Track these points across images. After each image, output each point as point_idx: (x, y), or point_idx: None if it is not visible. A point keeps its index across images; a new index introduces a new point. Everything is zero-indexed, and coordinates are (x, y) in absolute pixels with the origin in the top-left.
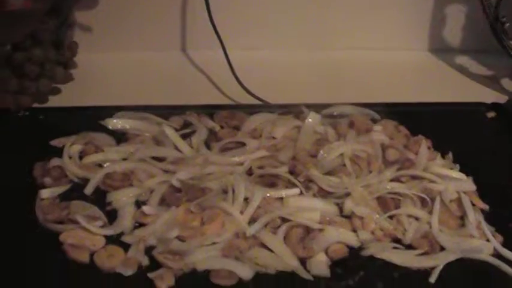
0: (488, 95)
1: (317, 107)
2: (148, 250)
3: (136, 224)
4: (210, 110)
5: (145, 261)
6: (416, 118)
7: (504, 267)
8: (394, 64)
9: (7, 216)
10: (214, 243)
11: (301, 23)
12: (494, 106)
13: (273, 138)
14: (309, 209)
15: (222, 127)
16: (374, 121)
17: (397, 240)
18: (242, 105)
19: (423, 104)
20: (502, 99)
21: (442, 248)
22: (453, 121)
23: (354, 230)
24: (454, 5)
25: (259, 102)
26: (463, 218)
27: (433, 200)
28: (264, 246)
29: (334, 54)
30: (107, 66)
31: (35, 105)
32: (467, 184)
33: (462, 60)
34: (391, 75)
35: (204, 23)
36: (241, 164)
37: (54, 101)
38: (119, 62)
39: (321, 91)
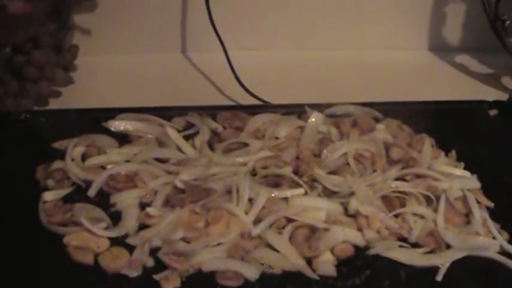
0: (489, 93)
1: (319, 107)
2: (153, 251)
3: (141, 226)
4: (212, 111)
5: (150, 262)
6: (419, 117)
7: (511, 264)
8: (394, 63)
9: (11, 219)
10: (219, 244)
11: (301, 23)
12: (496, 104)
13: (276, 138)
14: (314, 208)
15: (224, 128)
16: (377, 120)
17: (402, 239)
18: (244, 106)
19: (425, 103)
20: (503, 97)
21: (448, 246)
22: (456, 119)
23: (360, 229)
24: (454, 3)
25: (261, 103)
26: (468, 215)
27: (437, 198)
28: (269, 246)
29: (334, 54)
30: (107, 68)
31: (36, 107)
32: (472, 182)
33: (462, 59)
34: (391, 74)
35: (204, 24)
36: (245, 164)
37: (54, 104)
38: (119, 64)
39: (323, 91)
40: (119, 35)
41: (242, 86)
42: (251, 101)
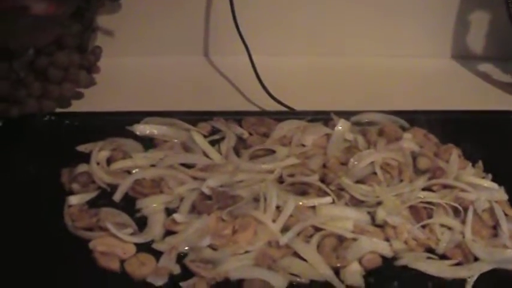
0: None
1: (346, 114)
2: (180, 258)
3: (167, 232)
4: (238, 116)
5: (176, 269)
6: (445, 126)
7: None
8: (417, 71)
9: (36, 224)
10: (247, 251)
11: (326, 28)
12: None
13: (303, 145)
14: (342, 217)
15: (250, 134)
16: (403, 129)
17: (430, 250)
18: (270, 112)
19: (451, 112)
20: None
21: (476, 259)
22: (481, 129)
23: (387, 239)
24: (478, 11)
25: (285, 109)
26: (495, 227)
27: (465, 209)
28: (297, 255)
29: (359, 61)
30: (129, 70)
31: (60, 109)
32: (500, 193)
33: (485, 67)
34: (415, 81)
35: (229, 27)
36: (272, 171)
37: (77, 106)
38: (142, 66)
39: (347, 97)
40: (143, 36)
41: (266, 90)
42: (275, 106)
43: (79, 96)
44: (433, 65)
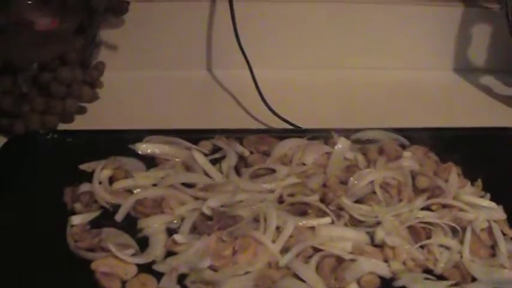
0: None
1: (346, 132)
2: (180, 279)
3: (168, 252)
4: (239, 134)
5: None
6: (445, 144)
7: None
8: (418, 84)
9: (38, 243)
10: (246, 272)
11: (328, 42)
12: None
13: (303, 164)
14: (341, 238)
15: (251, 152)
16: (403, 147)
17: (428, 271)
18: (271, 130)
19: (451, 129)
20: None
21: (474, 279)
22: (482, 146)
23: (386, 260)
24: (480, 24)
25: (287, 125)
26: (493, 247)
27: (463, 229)
28: (296, 276)
29: (360, 74)
30: (132, 84)
31: (61, 127)
32: (498, 213)
33: (487, 80)
34: (416, 95)
35: (231, 42)
36: (272, 191)
37: (79, 120)
38: (145, 80)
39: (348, 112)
40: (145, 51)
41: (268, 106)
42: (277, 121)
43: (82, 111)
44: (435, 77)
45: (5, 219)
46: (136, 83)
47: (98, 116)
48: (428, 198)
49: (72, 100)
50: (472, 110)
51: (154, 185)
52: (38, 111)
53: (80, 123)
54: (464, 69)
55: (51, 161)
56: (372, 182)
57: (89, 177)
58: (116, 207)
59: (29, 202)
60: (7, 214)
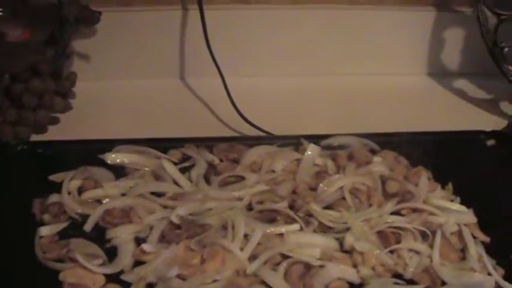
0: (487, 119)
1: (316, 138)
2: None
3: (136, 262)
4: (209, 143)
5: None
6: (416, 148)
7: None
8: (392, 89)
9: (6, 254)
10: (215, 280)
11: (299, 49)
12: (493, 134)
13: (273, 171)
14: (310, 245)
15: (221, 160)
16: (373, 152)
17: (398, 275)
18: (241, 137)
19: (422, 133)
20: (501, 123)
21: (443, 283)
22: (453, 150)
23: (355, 266)
24: (453, 28)
25: (259, 133)
26: (463, 250)
27: (433, 233)
28: (264, 283)
29: (331, 81)
30: (105, 94)
31: (34, 138)
32: (468, 216)
33: (461, 84)
34: (389, 100)
35: (202, 50)
36: (241, 199)
37: (52, 131)
38: (117, 89)
39: (320, 118)
40: (118, 60)
41: (239, 113)
42: (249, 129)
43: (55, 121)
44: (408, 82)
45: None
46: (108, 92)
47: (71, 127)
48: (399, 202)
49: (44, 111)
50: (446, 113)
51: (124, 194)
52: (10, 122)
53: (53, 133)
54: (438, 73)
55: (22, 172)
56: (341, 188)
57: (58, 187)
58: (85, 218)
59: None
60: None
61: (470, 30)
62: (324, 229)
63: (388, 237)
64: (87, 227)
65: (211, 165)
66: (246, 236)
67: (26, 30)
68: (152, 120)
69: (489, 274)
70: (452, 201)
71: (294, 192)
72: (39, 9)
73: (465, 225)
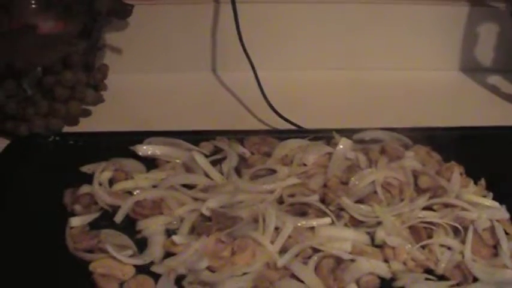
0: None
1: (348, 132)
2: (178, 280)
3: (166, 253)
4: (240, 135)
5: None
6: (449, 143)
7: None
8: (424, 84)
9: (37, 245)
10: (244, 273)
11: (331, 43)
12: None
13: (304, 165)
14: (340, 239)
15: (252, 153)
16: (406, 146)
17: (429, 271)
18: (272, 131)
19: (454, 129)
20: None
21: (475, 279)
22: (486, 145)
23: (386, 261)
24: (486, 24)
25: (290, 127)
26: (496, 247)
27: (465, 228)
28: (294, 277)
29: (364, 75)
30: (136, 87)
31: (66, 129)
32: (501, 212)
33: (494, 80)
34: (422, 95)
35: (234, 44)
36: (272, 192)
37: (84, 123)
38: (149, 83)
39: (352, 113)
40: (149, 53)
41: (271, 107)
42: (280, 123)
43: (87, 113)
44: (441, 77)
45: (6, 219)
46: (140, 85)
47: (102, 119)
48: (431, 197)
49: (76, 103)
50: (479, 109)
51: (155, 186)
52: (42, 114)
53: (84, 125)
54: (471, 68)
55: (53, 163)
56: (373, 182)
57: (89, 178)
58: (116, 209)
59: (29, 203)
60: (8, 214)
61: (504, 26)
62: (355, 223)
63: (419, 232)
64: (118, 218)
65: (242, 158)
66: (276, 229)
67: (58, 23)
68: (184, 112)
69: None
70: (484, 196)
71: (325, 185)
72: (71, 1)
73: (498, 221)
